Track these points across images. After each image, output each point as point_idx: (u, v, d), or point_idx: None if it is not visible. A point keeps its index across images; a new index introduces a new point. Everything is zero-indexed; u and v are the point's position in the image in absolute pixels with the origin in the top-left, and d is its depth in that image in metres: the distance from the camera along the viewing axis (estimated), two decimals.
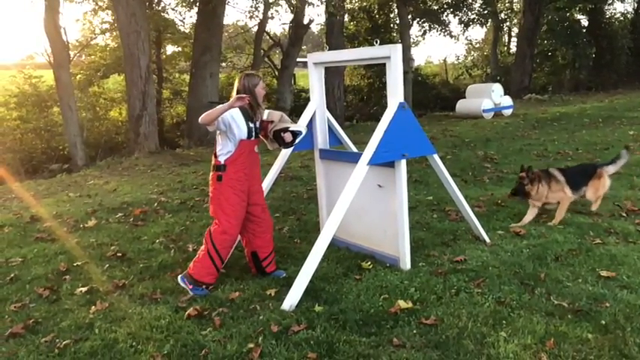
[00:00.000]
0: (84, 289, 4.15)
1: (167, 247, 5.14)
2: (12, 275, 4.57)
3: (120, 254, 4.96)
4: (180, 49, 21.17)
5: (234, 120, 3.90)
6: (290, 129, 4.12)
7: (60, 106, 13.45)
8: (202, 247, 4.01)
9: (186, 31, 19.83)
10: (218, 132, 3.98)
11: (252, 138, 4.02)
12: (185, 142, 14.44)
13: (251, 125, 3.99)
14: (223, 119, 3.86)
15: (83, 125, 15.40)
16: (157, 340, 3.29)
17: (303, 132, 4.23)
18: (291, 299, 3.61)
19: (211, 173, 4.05)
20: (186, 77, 17.87)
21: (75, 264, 4.79)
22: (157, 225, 6.00)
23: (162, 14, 19.00)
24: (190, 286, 3.94)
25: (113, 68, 18.78)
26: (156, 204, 7.05)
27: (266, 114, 4.19)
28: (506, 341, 3.07)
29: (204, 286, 3.97)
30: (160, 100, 18.90)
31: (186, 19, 24.65)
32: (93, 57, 19.72)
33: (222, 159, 3.95)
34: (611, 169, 5.58)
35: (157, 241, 5.36)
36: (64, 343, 3.30)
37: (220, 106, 3.78)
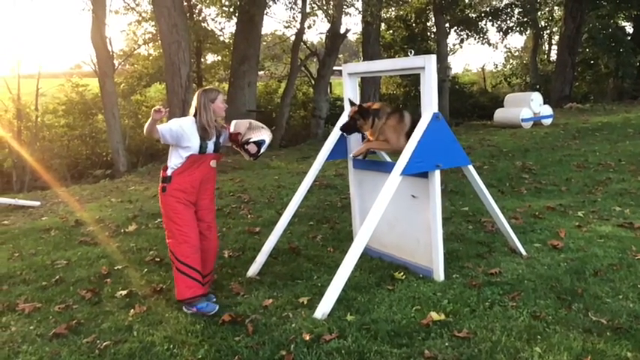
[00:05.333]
0: (124, 293, 4.29)
1: None
2: (57, 277, 4.76)
3: (158, 259, 5.11)
4: (219, 58, 21.63)
5: (184, 133, 3.76)
6: (252, 140, 3.99)
7: (104, 113, 13.92)
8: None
9: (226, 40, 20.25)
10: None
11: (206, 153, 3.88)
12: (223, 150, 14.67)
13: (207, 141, 3.86)
14: (171, 132, 3.73)
15: (125, 132, 15.89)
16: (192, 344, 3.38)
17: (267, 140, 4.05)
18: (324, 308, 3.64)
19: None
20: (226, 86, 18.22)
21: (115, 268, 4.96)
22: None
23: (202, 24, 19.46)
24: (194, 309, 3.77)
25: (155, 77, 19.33)
26: None
27: (233, 125, 4.07)
28: (541, 357, 3.02)
29: (201, 301, 3.80)
30: None
31: (226, 29, 25.33)
32: (136, 66, 20.35)
33: (169, 171, 3.83)
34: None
35: None
36: (104, 344, 3.43)
37: (149, 120, 3.65)
